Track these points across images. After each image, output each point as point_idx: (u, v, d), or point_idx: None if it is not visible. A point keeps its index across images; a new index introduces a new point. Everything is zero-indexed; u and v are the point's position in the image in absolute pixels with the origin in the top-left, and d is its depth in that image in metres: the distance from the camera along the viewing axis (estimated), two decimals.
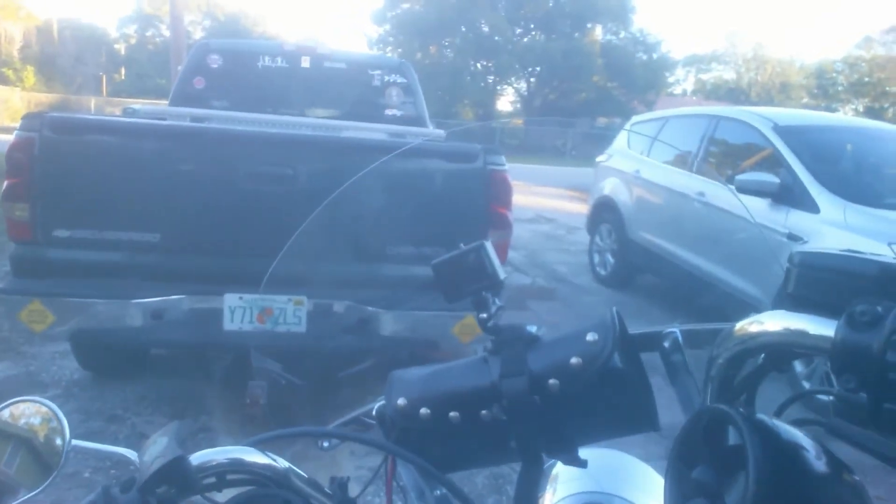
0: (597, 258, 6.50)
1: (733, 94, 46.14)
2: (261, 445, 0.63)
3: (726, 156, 5.21)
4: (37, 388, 3.42)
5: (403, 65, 4.77)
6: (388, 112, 4.56)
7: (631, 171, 6.03)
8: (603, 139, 9.66)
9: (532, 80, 36.64)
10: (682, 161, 5.47)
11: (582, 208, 9.15)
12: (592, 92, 34.67)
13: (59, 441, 0.63)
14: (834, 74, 49.71)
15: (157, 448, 0.59)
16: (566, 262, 7.27)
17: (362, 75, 4.66)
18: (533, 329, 0.67)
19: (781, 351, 0.51)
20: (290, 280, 2.59)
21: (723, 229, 4.53)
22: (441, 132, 4.17)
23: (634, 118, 6.87)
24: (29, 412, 0.66)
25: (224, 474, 0.62)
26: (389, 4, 35.51)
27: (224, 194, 2.64)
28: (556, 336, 0.66)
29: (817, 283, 0.47)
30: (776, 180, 4.10)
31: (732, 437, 0.46)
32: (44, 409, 0.65)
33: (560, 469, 0.82)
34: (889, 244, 3.41)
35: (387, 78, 4.67)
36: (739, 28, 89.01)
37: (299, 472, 0.65)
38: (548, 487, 0.80)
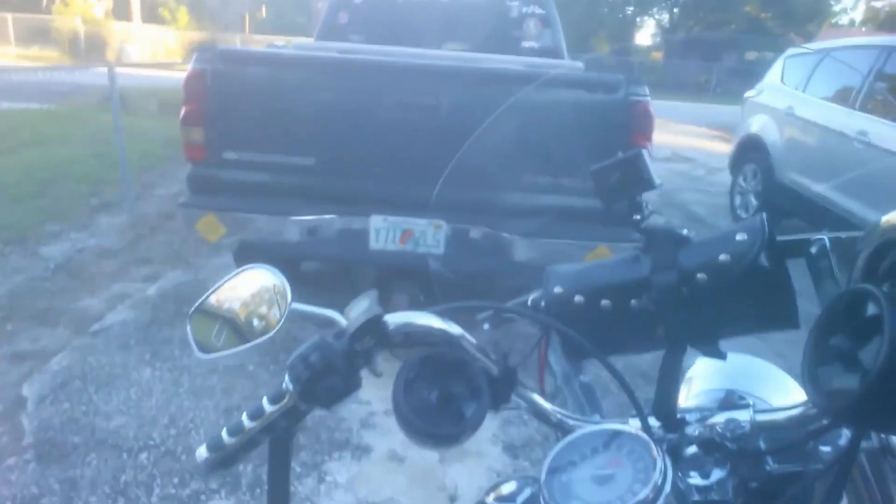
0: (738, 200, 6.18)
1: None
2: (440, 313, 0.73)
3: None
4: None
5: None
6: (526, 44, 4.51)
7: (783, 108, 5.61)
8: (751, 75, 8.96)
9: (675, 10, 34.26)
10: (843, 97, 5.02)
11: (724, 148, 8.64)
12: (743, 23, 31.93)
13: (282, 302, 0.75)
14: None
15: (360, 308, 0.70)
16: (704, 203, 6.97)
17: (500, 6, 4.63)
18: (683, 231, 0.72)
19: None
20: (434, 204, 2.73)
21: (885, 172, 4.17)
22: (579, 64, 4.09)
23: (789, 51, 6.33)
24: (259, 276, 0.79)
25: (410, 334, 0.71)
26: None
27: (373, 123, 2.79)
28: (705, 237, 0.71)
29: None
30: None
31: (872, 311, 0.50)
32: (271, 274, 0.78)
33: (695, 370, 0.87)
34: None
35: (524, 9, 4.60)
36: None
37: (470, 337, 0.72)
38: (683, 386, 0.86)
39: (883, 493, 0.72)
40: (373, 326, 0.68)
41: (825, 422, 0.60)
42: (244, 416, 0.73)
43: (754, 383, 0.81)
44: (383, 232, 2.83)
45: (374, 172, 2.83)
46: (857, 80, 4.91)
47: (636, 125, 2.64)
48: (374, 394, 2.78)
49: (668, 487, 0.55)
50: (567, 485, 0.58)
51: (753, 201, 5.90)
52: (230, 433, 0.72)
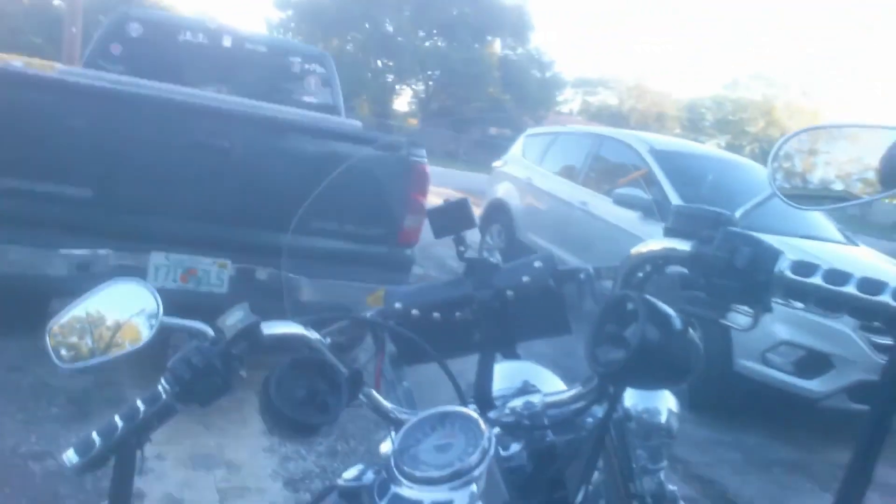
0: (485, 255, 6.92)
1: (615, 118, 48.96)
2: (304, 323, 0.85)
3: (607, 171, 5.81)
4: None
5: (323, 56, 4.95)
6: (306, 98, 4.73)
7: (523, 178, 6.54)
8: (494, 147, 10.19)
9: (431, 83, 37.25)
10: (569, 173, 6.03)
11: (475, 210, 9.62)
12: (487, 102, 35.74)
13: (152, 314, 0.80)
14: (703, 110, 54.10)
15: (235, 317, 0.80)
16: (456, 258, 7.66)
17: (282, 60, 4.81)
18: (494, 259, 0.97)
19: (659, 261, 0.80)
20: (219, 243, 2.78)
21: (601, 236, 5.10)
22: (357, 122, 4.42)
23: (529, 130, 7.42)
24: (128, 290, 0.83)
25: (279, 341, 0.82)
26: None
27: (157, 158, 2.76)
28: (510, 264, 0.95)
29: (685, 221, 0.78)
30: (648, 196, 4.69)
31: (630, 307, 0.75)
32: (141, 287, 0.82)
33: (496, 371, 1.12)
34: None
35: (306, 66, 4.84)
36: (626, 54, 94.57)
37: (326, 342, 0.86)
38: None
39: (624, 453, 1.02)
40: (249, 332, 0.78)
41: (595, 390, 0.84)
42: (116, 417, 0.77)
43: (538, 379, 1.04)
44: (163, 269, 2.79)
45: (158, 208, 2.78)
46: (580, 159, 5.95)
47: (415, 182, 2.98)
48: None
49: (492, 451, 0.73)
50: (414, 455, 0.73)
51: (499, 257, 6.68)
52: (101, 435, 0.76)
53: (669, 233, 0.79)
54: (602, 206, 5.18)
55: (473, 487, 0.70)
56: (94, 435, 0.77)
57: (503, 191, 6.85)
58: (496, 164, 7.38)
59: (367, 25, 34.10)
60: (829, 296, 0.64)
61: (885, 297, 0.62)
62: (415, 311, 0.93)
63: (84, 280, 2.66)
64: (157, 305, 0.80)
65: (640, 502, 1.00)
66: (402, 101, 42.17)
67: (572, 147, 6.25)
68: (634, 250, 0.82)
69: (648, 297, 0.77)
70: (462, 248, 0.95)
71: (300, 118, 3.32)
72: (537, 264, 0.92)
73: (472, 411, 0.79)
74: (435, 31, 36.22)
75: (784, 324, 3.76)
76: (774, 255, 0.68)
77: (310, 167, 2.77)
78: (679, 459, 3.40)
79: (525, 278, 0.91)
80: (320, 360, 0.82)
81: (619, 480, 0.98)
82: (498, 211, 6.82)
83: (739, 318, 0.75)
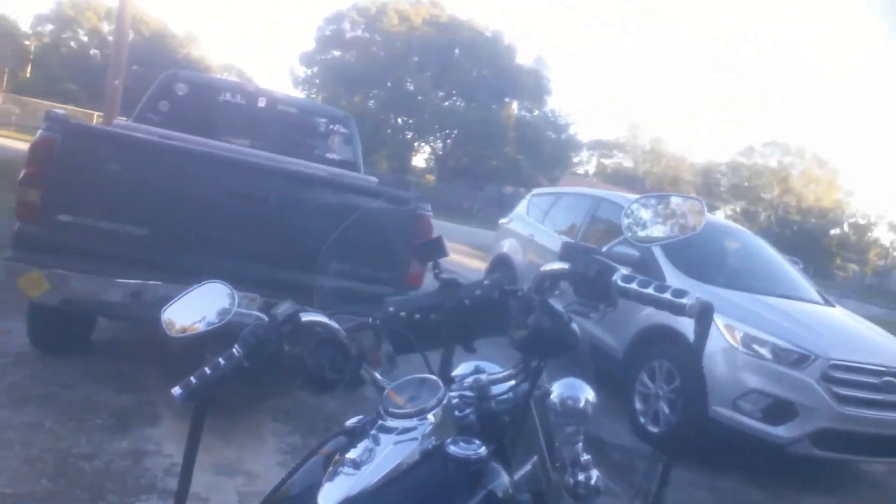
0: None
1: (630, 181, 49.73)
2: (329, 316, 1.23)
3: (603, 230, 6.24)
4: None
5: (347, 117, 5.50)
6: (329, 156, 5.25)
7: (526, 235, 6.99)
8: (507, 205, 10.71)
9: (448, 141, 38.27)
10: (569, 231, 6.48)
11: (481, 265, 10.06)
12: (503, 161, 36.62)
13: (230, 305, 1.21)
14: (718, 176, 54.75)
15: (283, 307, 1.19)
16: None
17: (310, 120, 5.36)
18: (458, 278, 1.40)
19: (554, 276, 1.18)
20: (250, 280, 3.23)
21: None
22: (374, 179, 4.92)
23: (534, 191, 7.91)
24: (215, 288, 1.25)
25: (310, 326, 1.19)
26: (320, 49, 36.43)
27: (205, 205, 3.24)
28: (470, 282, 1.38)
29: (568, 251, 1.18)
30: (637, 254, 5.09)
31: (533, 304, 1.19)
32: (224, 286, 1.25)
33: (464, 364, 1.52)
34: None
35: (331, 126, 5.38)
36: (642, 119, 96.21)
37: (343, 332, 1.23)
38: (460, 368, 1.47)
39: (547, 424, 1.41)
40: (293, 317, 1.17)
41: (521, 371, 1.23)
42: (205, 368, 1.14)
43: (487, 368, 1.47)
44: None
45: (201, 247, 3.25)
46: (579, 218, 6.41)
47: (420, 232, 3.43)
48: (176, 448, 3.06)
49: (444, 399, 1.11)
50: (395, 402, 1.13)
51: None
52: (196, 378, 1.13)
53: (560, 259, 1.19)
54: None
55: (431, 417, 1.10)
56: (192, 378, 1.13)
57: (508, 246, 7.30)
58: (502, 221, 7.85)
59: (388, 84, 35.42)
60: (639, 294, 1.06)
61: (667, 295, 1.04)
62: (402, 314, 1.30)
63: (136, 307, 3.12)
64: (234, 301, 1.22)
65: (560, 463, 1.38)
66: (421, 158, 43.30)
67: (573, 207, 6.71)
68: (542, 269, 1.21)
69: (544, 298, 1.17)
70: (437, 271, 1.34)
71: (325, 174, 3.81)
72: (486, 282, 1.31)
73: (434, 377, 1.17)
74: (454, 92, 37.49)
75: (754, 373, 4.12)
76: (612, 270, 1.10)
77: (330, 216, 3.23)
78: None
79: (478, 292, 1.29)
80: (338, 340, 1.20)
81: (544, 446, 1.37)
82: (502, 265, 7.25)
83: (595, 315, 1.16)
